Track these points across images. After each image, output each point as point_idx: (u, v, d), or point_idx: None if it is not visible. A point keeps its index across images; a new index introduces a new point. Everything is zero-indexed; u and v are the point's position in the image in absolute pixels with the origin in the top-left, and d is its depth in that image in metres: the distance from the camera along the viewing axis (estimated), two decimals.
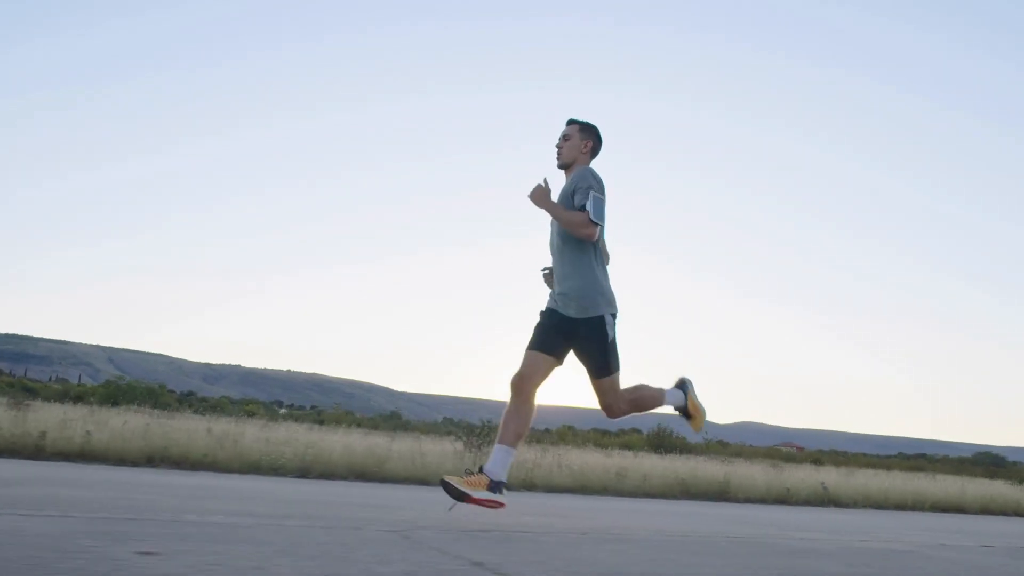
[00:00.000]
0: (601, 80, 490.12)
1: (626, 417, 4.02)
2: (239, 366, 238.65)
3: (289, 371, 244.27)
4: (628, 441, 34.49)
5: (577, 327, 3.78)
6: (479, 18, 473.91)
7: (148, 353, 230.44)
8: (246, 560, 2.34)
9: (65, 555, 2.21)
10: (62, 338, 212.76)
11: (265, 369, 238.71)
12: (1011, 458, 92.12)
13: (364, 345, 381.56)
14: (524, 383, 3.75)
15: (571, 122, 4.01)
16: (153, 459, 7.93)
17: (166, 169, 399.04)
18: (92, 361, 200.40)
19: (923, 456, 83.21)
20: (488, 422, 13.70)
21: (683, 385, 4.19)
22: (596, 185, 3.76)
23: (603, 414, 4.00)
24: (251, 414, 35.48)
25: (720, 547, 3.89)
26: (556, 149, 3.98)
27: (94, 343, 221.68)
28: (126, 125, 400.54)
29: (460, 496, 3.59)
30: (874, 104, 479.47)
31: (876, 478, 15.89)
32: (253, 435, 10.81)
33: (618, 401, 3.90)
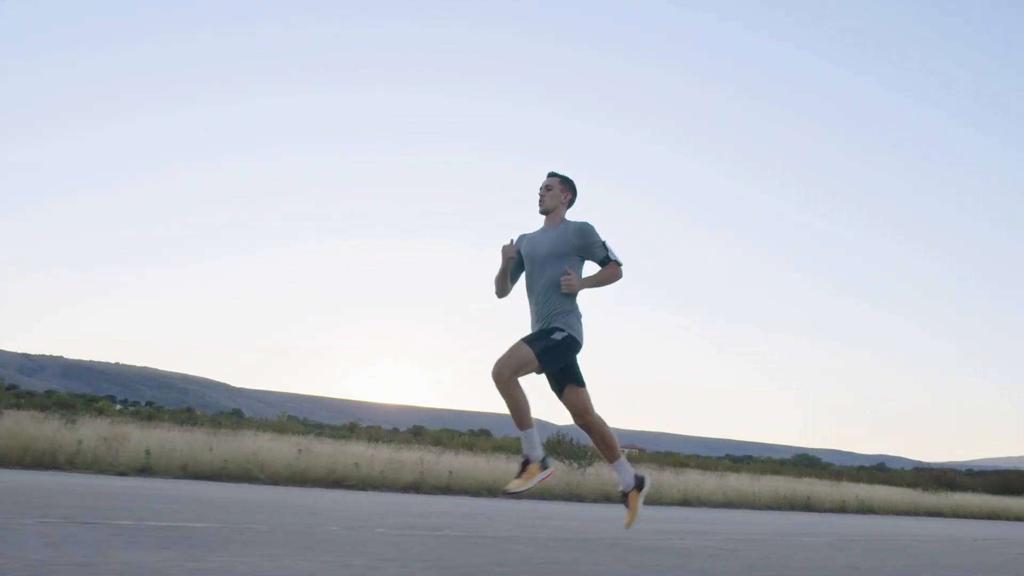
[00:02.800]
0: (448, 80, 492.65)
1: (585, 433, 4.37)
2: (61, 357, 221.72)
3: (118, 363, 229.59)
4: (503, 444, 34.16)
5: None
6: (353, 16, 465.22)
7: None
8: None
9: None
10: None
11: (91, 361, 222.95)
12: (824, 459, 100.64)
13: (199, 339, 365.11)
14: (503, 369, 4.03)
15: (552, 174, 4.45)
16: (420, 487, 8.72)
17: None
18: None
19: (750, 458, 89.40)
20: (580, 445, 14.56)
21: (641, 480, 4.40)
22: (599, 235, 4.29)
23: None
24: (100, 411, 33.46)
25: None
26: (539, 196, 4.41)
27: None
28: None
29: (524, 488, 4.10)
30: (747, 116, 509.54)
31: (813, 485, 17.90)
32: (357, 454, 10.97)
33: (587, 413, 4.23)
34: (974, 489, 31.22)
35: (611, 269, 4.30)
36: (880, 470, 64.52)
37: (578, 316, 4.27)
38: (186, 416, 39.46)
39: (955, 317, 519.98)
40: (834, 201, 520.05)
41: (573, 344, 4.20)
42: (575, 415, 4.27)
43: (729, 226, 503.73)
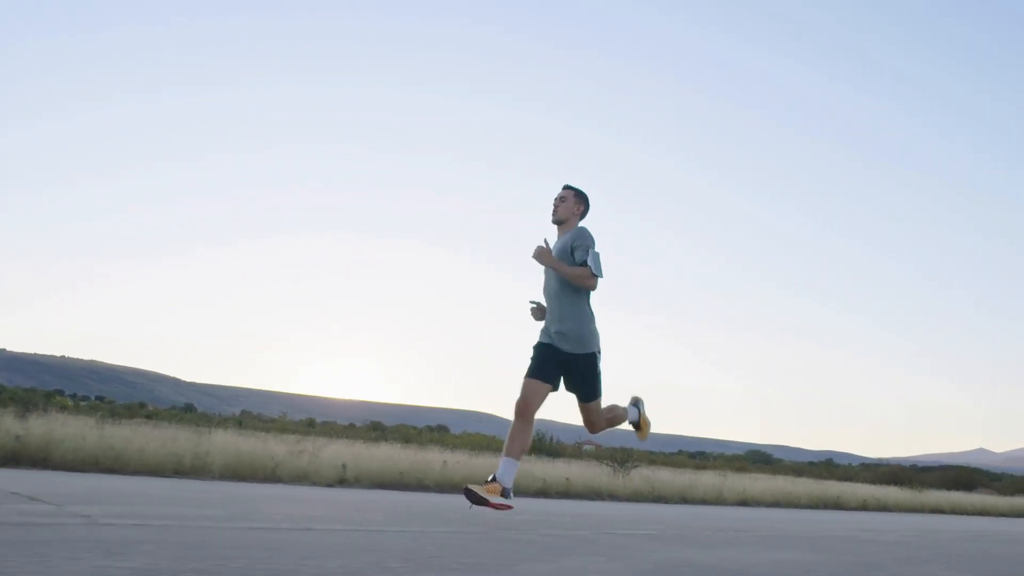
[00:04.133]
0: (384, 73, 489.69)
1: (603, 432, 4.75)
2: (4, 350, 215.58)
3: (64, 357, 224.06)
4: (474, 441, 34.28)
5: (572, 361, 4.46)
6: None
7: None
8: None
9: None
10: None
11: (36, 354, 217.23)
12: (776, 455, 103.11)
13: (146, 333, 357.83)
14: (527, 408, 4.38)
15: (567, 187, 4.69)
16: (547, 492, 9.82)
17: None
18: None
19: (703, 454, 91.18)
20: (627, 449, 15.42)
21: (636, 403, 4.96)
22: (592, 243, 4.47)
23: (586, 429, 4.69)
24: (63, 407, 32.50)
25: None
26: (553, 206, 4.65)
27: None
28: None
29: (479, 501, 4.22)
30: (711, 118, 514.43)
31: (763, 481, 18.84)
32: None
33: (599, 420, 4.62)
34: (933, 485, 32.87)
35: (582, 271, 4.43)
36: (830, 466, 66.39)
37: (590, 321, 4.52)
38: (140, 411, 38.88)
39: (897, 315, 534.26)
40: (791, 200, 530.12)
41: (600, 363, 4.60)
42: (589, 421, 4.59)
43: (685, 222, 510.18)
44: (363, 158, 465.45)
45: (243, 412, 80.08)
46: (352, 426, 54.28)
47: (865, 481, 32.34)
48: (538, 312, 4.69)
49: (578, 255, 4.42)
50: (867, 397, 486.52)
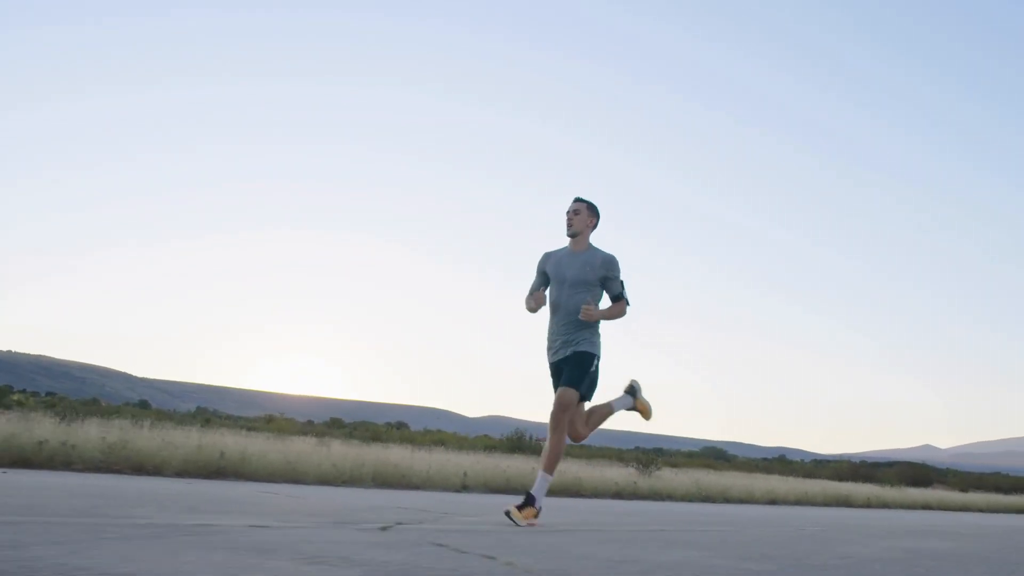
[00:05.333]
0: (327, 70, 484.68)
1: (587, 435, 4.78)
2: None
3: (10, 351, 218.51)
4: (440, 438, 34.51)
5: (571, 355, 4.61)
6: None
7: None
8: None
9: None
10: None
11: None
12: (730, 451, 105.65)
13: (97, 327, 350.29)
14: (559, 419, 4.52)
15: (579, 200, 4.83)
16: (622, 494, 11.58)
17: None
18: None
19: (660, 450, 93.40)
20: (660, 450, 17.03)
21: (632, 390, 4.98)
22: (620, 271, 4.71)
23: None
24: (20, 404, 29.78)
25: None
26: (567, 219, 4.79)
27: None
28: None
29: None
30: (680, 119, 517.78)
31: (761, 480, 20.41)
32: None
33: (580, 427, 4.69)
34: (892, 481, 35.06)
35: (620, 306, 4.70)
36: (786, 462, 68.60)
37: (599, 333, 4.71)
38: (93, 408, 38.30)
39: (847, 315, 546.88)
40: (754, 201, 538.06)
41: (598, 366, 4.68)
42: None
43: (647, 221, 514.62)
44: (322, 155, 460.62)
45: (198, 408, 79.10)
46: (311, 422, 54.39)
47: (829, 478, 34.32)
48: (533, 301, 4.73)
49: (615, 287, 4.68)
50: (816, 394, 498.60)
